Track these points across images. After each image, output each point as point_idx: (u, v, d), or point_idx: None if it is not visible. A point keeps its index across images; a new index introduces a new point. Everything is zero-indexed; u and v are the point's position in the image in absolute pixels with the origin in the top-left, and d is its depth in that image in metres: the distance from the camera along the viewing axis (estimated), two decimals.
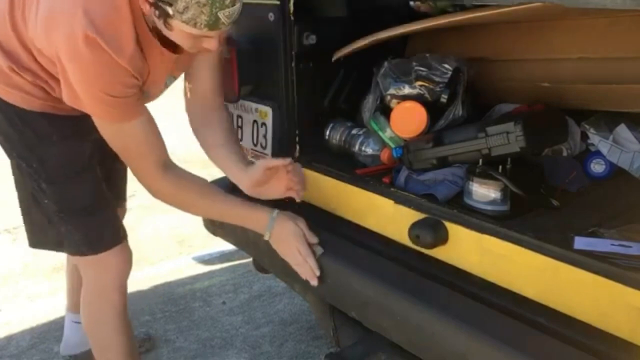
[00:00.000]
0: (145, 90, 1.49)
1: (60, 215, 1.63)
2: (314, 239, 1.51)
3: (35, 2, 1.40)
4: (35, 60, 1.47)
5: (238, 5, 1.30)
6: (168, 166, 1.51)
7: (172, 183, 1.52)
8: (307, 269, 1.49)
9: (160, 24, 1.34)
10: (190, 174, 1.55)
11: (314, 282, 1.48)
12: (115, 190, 1.89)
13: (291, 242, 1.50)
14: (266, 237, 1.54)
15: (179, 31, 1.33)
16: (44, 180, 1.60)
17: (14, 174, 1.77)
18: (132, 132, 1.45)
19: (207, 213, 1.69)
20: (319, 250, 1.49)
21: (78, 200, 1.61)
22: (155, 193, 1.53)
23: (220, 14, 1.28)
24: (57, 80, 1.45)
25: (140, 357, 1.91)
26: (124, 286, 1.74)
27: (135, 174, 1.52)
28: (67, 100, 1.44)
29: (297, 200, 1.58)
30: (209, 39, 1.36)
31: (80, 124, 1.53)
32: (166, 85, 1.63)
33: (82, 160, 1.60)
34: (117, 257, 1.68)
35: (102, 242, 1.65)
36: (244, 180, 1.57)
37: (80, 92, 1.39)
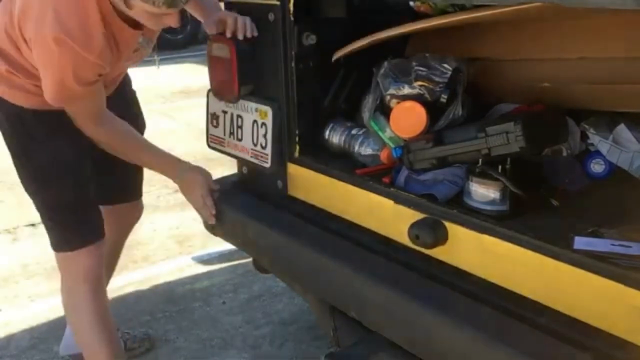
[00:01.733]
0: (120, 63, 1.67)
1: (43, 209, 1.76)
2: (214, 186, 1.80)
3: None
4: (25, 58, 1.57)
5: None
6: (106, 119, 1.69)
7: (105, 133, 1.70)
8: (207, 210, 1.77)
9: (121, 5, 1.45)
10: (123, 125, 1.74)
11: (212, 221, 1.79)
12: (125, 187, 1.98)
13: (196, 189, 1.77)
14: (175, 182, 1.82)
15: (140, 10, 1.43)
16: (31, 175, 1.72)
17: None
18: (84, 105, 1.62)
19: (131, 158, 1.81)
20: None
21: (60, 197, 1.72)
22: (91, 138, 1.70)
23: None
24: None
25: (123, 354, 1.95)
26: (95, 284, 1.81)
27: (77, 124, 1.66)
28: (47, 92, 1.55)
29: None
30: (169, 15, 1.45)
31: (72, 122, 1.66)
32: (144, 48, 1.74)
33: (68, 159, 1.69)
34: (90, 255, 1.76)
35: (78, 240, 1.75)
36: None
37: (46, 77, 1.51)
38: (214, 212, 1.78)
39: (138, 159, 1.83)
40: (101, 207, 1.86)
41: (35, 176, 1.71)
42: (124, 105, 1.93)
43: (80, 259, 1.76)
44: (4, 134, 1.74)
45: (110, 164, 1.82)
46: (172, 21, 1.49)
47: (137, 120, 1.99)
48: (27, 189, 1.77)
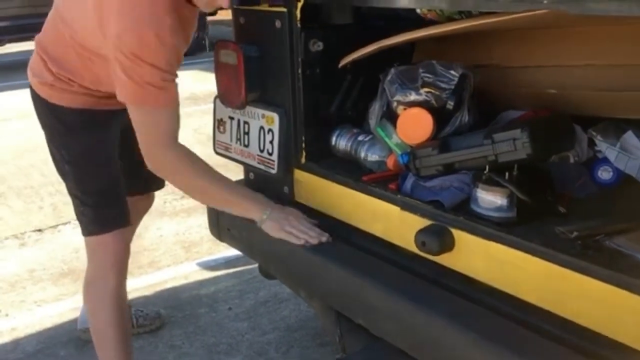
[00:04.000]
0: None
1: (77, 195, 1.83)
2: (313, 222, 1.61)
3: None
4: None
5: None
6: (178, 143, 1.62)
7: (181, 158, 1.63)
8: (310, 235, 1.57)
9: None
10: (193, 152, 1.65)
11: (325, 239, 1.56)
12: (143, 177, 1.95)
13: (283, 227, 1.59)
14: (259, 225, 1.63)
15: None
16: (67, 163, 1.80)
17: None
18: (163, 117, 1.59)
19: (206, 195, 1.71)
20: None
21: (94, 184, 1.81)
22: (160, 164, 1.64)
23: None
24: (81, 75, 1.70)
25: (131, 343, 2.00)
26: (120, 269, 1.90)
27: (145, 145, 1.61)
28: (119, 95, 1.59)
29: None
30: None
31: (104, 117, 1.77)
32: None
33: (100, 151, 1.79)
34: (117, 239, 1.84)
35: (108, 224, 1.83)
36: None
37: (129, 82, 1.53)
38: (324, 239, 1.57)
39: (211, 198, 1.72)
40: None
41: (72, 166, 1.81)
42: None
43: (108, 243, 1.85)
44: (45, 131, 1.83)
45: (133, 157, 1.82)
46: (224, 1, 1.53)
47: None
48: (65, 180, 1.86)
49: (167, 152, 1.61)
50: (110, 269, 1.87)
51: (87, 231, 1.86)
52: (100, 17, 1.56)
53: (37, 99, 1.79)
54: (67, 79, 1.71)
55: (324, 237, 1.56)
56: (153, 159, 1.63)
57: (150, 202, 2.28)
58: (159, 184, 2.13)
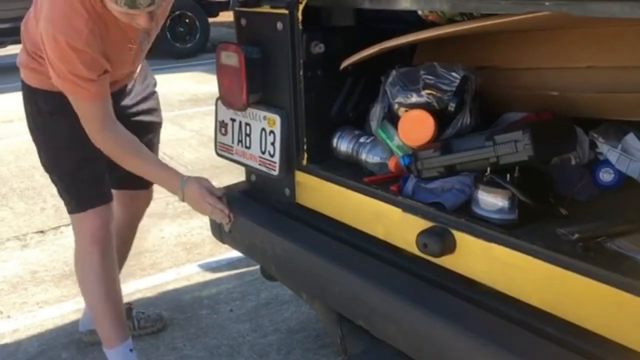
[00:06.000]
0: (119, 57, 1.77)
1: (57, 178, 1.95)
2: (218, 192, 1.81)
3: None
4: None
5: None
6: (109, 127, 1.78)
7: (110, 140, 1.79)
8: (218, 212, 1.79)
9: (98, 2, 1.60)
10: (127, 134, 1.81)
11: (227, 223, 1.80)
12: (131, 176, 2.02)
13: (198, 198, 1.78)
14: (180, 199, 1.82)
15: (111, 7, 1.56)
16: (44, 148, 1.92)
17: None
18: (90, 109, 1.74)
19: (134, 168, 1.87)
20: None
21: (69, 165, 1.91)
22: (97, 143, 1.79)
23: None
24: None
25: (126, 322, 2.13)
26: (103, 249, 1.98)
27: (84, 126, 1.77)
28: (53, 79, 1.70)
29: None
30: (137, 16, 1.55)
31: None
32: (141, 43, 1.86)
33: (71, 133, 1.83)
34: (97, 215, 1.94)
35: (83, 202, 1.94)
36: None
37: (54, 72, 1.67)
38: (227, 212, 1.79)
39: (139, 171, 1.88)
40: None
41: (47, 149, 1.92)
42: (138, 99, 2.08)
43: (89, 219, 1.94)
44: (26, 117, 1.93)
45: None
46: (141, 21, 1.58)
47: (149, 117, 2.15)
48: (43, 163, 1.97)
49: (99, 134, 1.77)
50: (91, 246, 1.97)
51: (67, 209, 1.98)
52: (37, 6, 1.70)
53: (22, 86, 1.90)
54: (39, 56, 1.77)
55: (226, 212, 1.79)
56: (92, 138, 1.78)
57: (145, 200, 2.31)
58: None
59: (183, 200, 1.82)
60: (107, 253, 2.00)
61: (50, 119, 1.87)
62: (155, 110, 2.18)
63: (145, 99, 2.12)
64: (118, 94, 1.94)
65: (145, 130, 2.08)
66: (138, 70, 2.05)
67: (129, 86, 2.05)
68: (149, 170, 1.87)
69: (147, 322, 2.42)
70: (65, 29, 1.60)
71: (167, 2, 1.80)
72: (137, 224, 2.37)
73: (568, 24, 1.42)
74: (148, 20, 1.58)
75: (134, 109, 2.07)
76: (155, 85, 2.21)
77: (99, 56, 1.66)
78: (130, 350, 2.07)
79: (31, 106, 1.90)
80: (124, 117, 1.92)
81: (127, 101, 2.04)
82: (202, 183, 1.81)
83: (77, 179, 1.92)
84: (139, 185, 2.17)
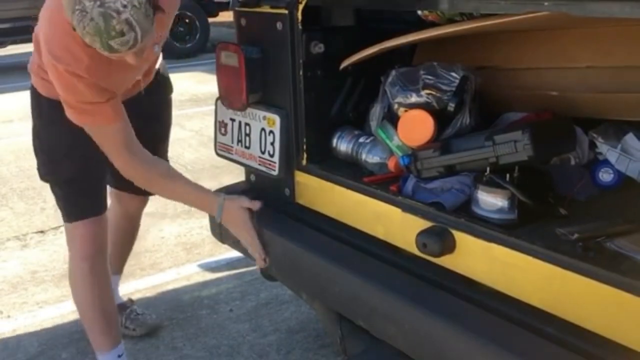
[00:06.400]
0: (123, 79, 1.74)
1: (52, 185, 1.93)
2: (256, 206, 1.72)
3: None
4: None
5: (130, 35, 1.41)
6: (134, 152, 1.73)
7: (137, 166, 1.75)
8: (256, 247, 1.72)
9: None
10: (153, 158, 1.78)
11: (263, 265, 1.74)
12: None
13: (239, 223, 1.73)
14: (217, 220, 1.77)
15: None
16: (40, 151, 1.91)
17: None
18: (110, 133, 1.69)
19: (165, 192, 1.84)
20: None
21: (64, 174, 1.89)
22: (124, 174, 1.76)
23: (112, 43, 1.41)
24: None
25: (118, 333, 2.11)
26: (91, 260, 1.95)
27: (106, 153, 1.74)
28: (67, 115, 1.68)
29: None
30: (122, 55, 1.48)
31: None
32: (156, 52, 1.84)
33: (70, 142, 1.82)
34: (86, 227, 1.91)
35: (74, 213, 1.91)
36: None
37: (66, 105, 1.65)
38: (263, 255, 1.72)
39: (171, 195, 1.84)
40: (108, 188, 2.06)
41: (45, 155, 1.91)
42: (150, 105, 2.04)
43: (77, 231, 1.93)
44: (32, 118, 1.92)
45: None
46: (129, 59, 1.51)
47: (160, 121, 2.15)
48: (38, 169, 1.96)
49: (124, 159, 1.72)
50: (80, 261, 1.96)
51: (63, 219, 1.96)
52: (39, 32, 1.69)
53: (31, 90, 1.89)
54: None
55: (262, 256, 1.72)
56: (118, 167, 1.75)
57: (141, 202, 2.30)
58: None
59: (220, 222, 1.77)
60: (97, 268, 1.97)
61: (53, 127, 1.85)
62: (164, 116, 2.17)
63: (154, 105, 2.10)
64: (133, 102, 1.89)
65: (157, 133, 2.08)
66: (152, 77, 2.02)
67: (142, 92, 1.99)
68: (181, 194, 1.80)
69: (132, 323, 2.39)
70: (65, 58, 1.57)
71: (172, 9, 1.78)
72: (137, 223, 2.37)
73: (568, 24, 1.42)
74: (135, 58, 1.51)
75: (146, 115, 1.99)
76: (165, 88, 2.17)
77: (102, 81, 1.62)
78: (119, 356, 2.05)
79: (37, 111, 1.89)
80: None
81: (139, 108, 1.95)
82: (242, 203, 1.74)
83: (70, 189, 1.90)
84: (131, 189, 2.10)
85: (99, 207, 1.95)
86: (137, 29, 1.40)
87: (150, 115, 2.04)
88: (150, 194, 2.22)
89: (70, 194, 1.91)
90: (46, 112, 1.85)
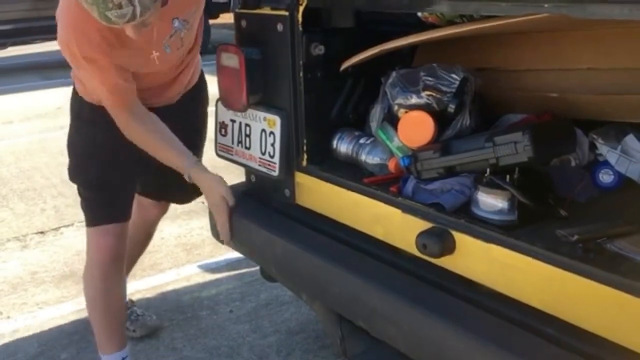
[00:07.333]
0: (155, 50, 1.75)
1: (78, 187, 1.94)
2: (232, 201, 1.77)
3: None
4: None
5: (128, 9, 1.43)
6: (135, 115, 1.76)
7: (132, 127, 1.77)
8: (224, 229, 1.78)
9: None
10: (151, 119, 1.79)
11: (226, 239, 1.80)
12: (158, 184, 2.08)
13: (214, 203, 1.78)
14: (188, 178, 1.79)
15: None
16: (72, 151, 1.94)
17: None
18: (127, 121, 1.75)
19: (148, 149, 1.82)
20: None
21: (89, 177, 1.91)
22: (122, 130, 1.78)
23: (109, 14, 1.43)
24: None
25: (123, 331, 2.13)
26: (106, 269, 1.95)
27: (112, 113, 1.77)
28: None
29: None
30: (125, 28, 1.51)
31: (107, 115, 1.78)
32: (180, 31, 1.79)
33: (100, 145, 1.86)
34: (103, 234, 1.91)
35: (96, 218, 1.92)
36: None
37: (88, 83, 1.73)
38: (228, 238, 1.80)
39: (154, 152, 1.84)
40: None
41: (76, 156, 1.94)
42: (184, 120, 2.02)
43: (94, 237, 1.93)
44: (70, 119, 1.95)
45: (146, 162, 1.88)
46: (128, 32, 1.54)
47: (199, 133, 2.13)
48: (68, 170, 1.96)
49: (126, 126, 1.77)
50: (96, 269, 1.95)
51: (85, 220, 1.96)
52: None
53: (72, 93, 1.92)
54: None
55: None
56: (120, 125, 1.77)
57: (161, 211, 2.31)
58: (177, 197, 2.21)
59: (191, 180, 1.79)
60: (111, 276, 1.97)
61: (87, 128, 1.88)
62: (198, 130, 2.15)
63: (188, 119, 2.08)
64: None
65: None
66: (184, 84, 2.01)
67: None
68: (163, 156, 1.82)
69: (132, 324, 2.38)
70: (74, 35, 1.61)
71: (198, 11, 1.79)
72: (153, 229, 2.39)
73: (568, 25, 1.42)
74: (134, 32, 1.53)
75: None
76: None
77: (118, 61, 1.66)
78: (123, 359, 2.05)
79: (75, 112, 1.92)
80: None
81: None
82: (221, 191, 1.78)
83: (94, 194, 1.91)
84: (155, 196, 2.20)
85: (120, 216, 1.94)
86: (136, 3, 1.43)
87: (191, 127, 2.06)
88: (176, 201, 2.27)
89: (92, 200, 1.92)
90: (86, 113, 1.87)
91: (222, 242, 1.88)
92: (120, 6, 1.41)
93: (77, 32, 1.62)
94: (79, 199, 1.97)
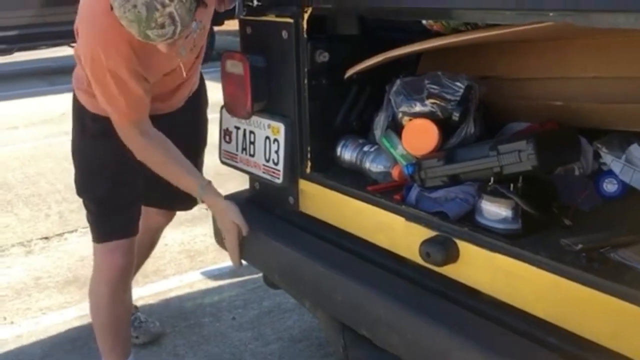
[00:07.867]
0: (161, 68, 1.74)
1: (85, 202, 1.91)
2: (245, 229, 1.75)
3: None
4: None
5: (170, 29, 1.41)
6: (145, 133, 1.73)
7: (143, 147, 1.75)
8: (235, 255, 1.79)
9: None
10: (161, 139, 1.76)
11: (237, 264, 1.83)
12: (161, 192, 2.02)
13: (226, 225, 1.77)
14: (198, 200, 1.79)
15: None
16: (79, 165, 1.90)
17: None
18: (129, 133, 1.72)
19: (160, 170, 1.80)
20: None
21: (94, 192, 1.88)
22: (131, 148, 1.75)
23: (150, 33, 1.41)
24: None
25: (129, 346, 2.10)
26: (113, 285, 1.93)
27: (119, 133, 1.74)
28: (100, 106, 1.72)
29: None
30: (157, 44, 1.49)
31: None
32: (194, 31, 1.73)
33: (107, 159, 1.83)
34: (110, 251, 1.89)
35: (103, 235, 1.89)
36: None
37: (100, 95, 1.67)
38: (237, 262, 1.82)
39: (165, 174, 1.82)
40: None
41: (82, 170, 1.89)
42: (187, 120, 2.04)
43: (101, 254, 1.91)
44: (72, 132, 1.92)
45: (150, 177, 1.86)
46: (161, 48, 1.53)
47: (199, 137, 2.12)
48: (75, 184, 1.92)
49: (136, 144, 1.75)
50: (104, 285, 1.93)
51: (92, 236, 1.93)
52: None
53: (73, 104, 1.88)
54: None
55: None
56: (127, 142, 1.75)
57: (166, 219, 2.31)
58: (180, 204, 2.19)
59: (202, 201, 1.78)
60: (117, 294, 1.95)
61: (93, 141, 1.85)
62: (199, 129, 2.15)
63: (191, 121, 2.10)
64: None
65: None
66: (189, 89, 2.01)
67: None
68: (175, 178, 1.80)
69: (135, 331, 2.37)
70: (105, 48, 1.58)
71: (210, 9, 1.76)
72: (157, 238, 2.39)
73: (572, 34, 1.42)
74: (168, 48, 1.53)
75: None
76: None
77: (142, 70, 1.65)
78: None
79: (78, 124, 1.88)
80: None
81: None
82: (234, 218, 1.76)
83: (99, 210, 1.88)
84: (159, 204, 2.19)
85: (128, 232, 1.92)
86: (178, 23, 1.41)
87: (191, 132, 2.06)
88: (180, 208, 2.26)
89: (100, 215, 1.89)
90: (90, 125, 1.83)
91: (234, 263, 1.87)
92: (162, 26, 1.39)
93: (106, 43, 1.59)
94: (83, 207, 1.95)
